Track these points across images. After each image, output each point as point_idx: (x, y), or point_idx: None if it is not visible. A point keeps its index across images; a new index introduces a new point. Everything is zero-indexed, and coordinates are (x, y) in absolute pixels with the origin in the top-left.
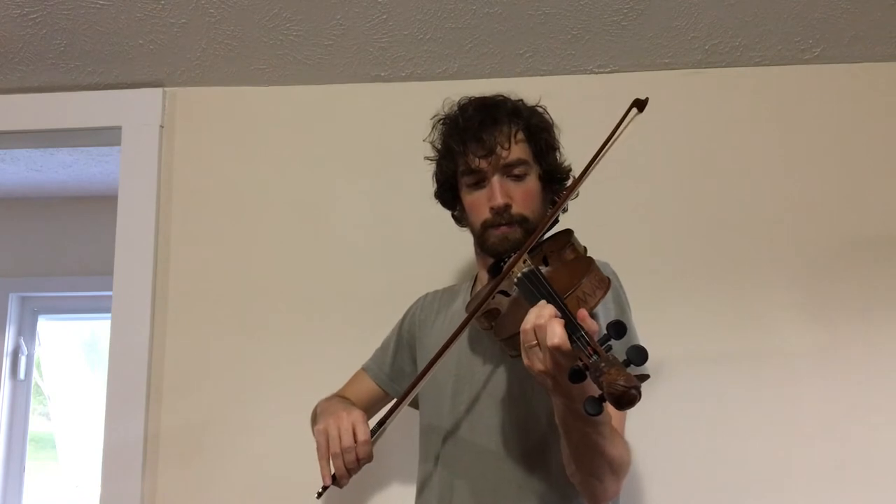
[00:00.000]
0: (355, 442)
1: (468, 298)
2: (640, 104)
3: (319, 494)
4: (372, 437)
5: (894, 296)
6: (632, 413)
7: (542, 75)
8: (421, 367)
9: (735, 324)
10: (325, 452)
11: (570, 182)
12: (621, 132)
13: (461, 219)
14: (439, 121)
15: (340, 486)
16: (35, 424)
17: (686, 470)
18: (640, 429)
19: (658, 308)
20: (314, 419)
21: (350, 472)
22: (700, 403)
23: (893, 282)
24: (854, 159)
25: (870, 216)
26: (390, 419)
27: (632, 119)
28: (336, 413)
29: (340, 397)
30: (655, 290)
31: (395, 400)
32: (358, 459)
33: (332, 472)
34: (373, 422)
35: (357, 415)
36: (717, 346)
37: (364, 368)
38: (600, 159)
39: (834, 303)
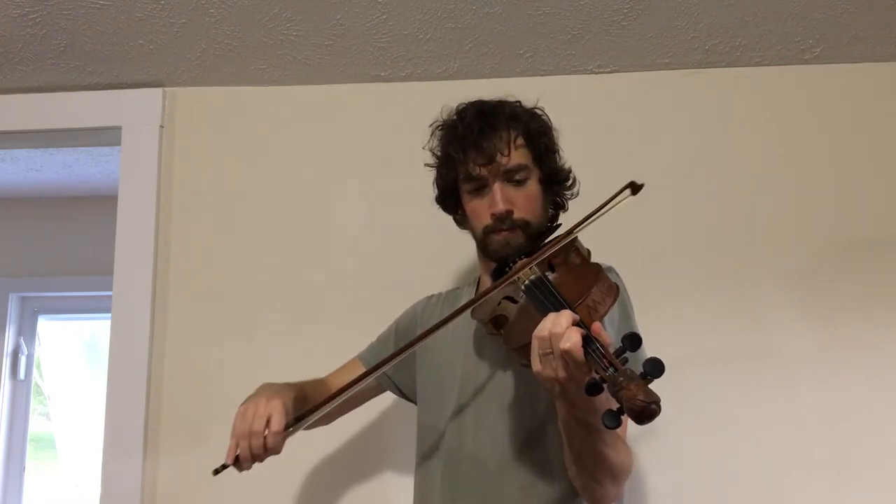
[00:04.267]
0: (268, 430)
1: None
2: (635, 188)
3: (217, 471)
4: (286, 429)
5: (894, 295)
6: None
7: (541, 75)
8: (428, 373)
9: (735, 324)
10: (235, 432)
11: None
12: (610, 209)
13: (462, 222)
14: (437, 127)
15: (240, 470)
16: (35, 424)
17: (686, 470)
18: (641, 429)
19: (658, 308)
20: None
21: (254, 457)
22: (700, 403)
23: (893, 281)
24: (854, 159)
25: (870, 216)
26: (315, 413)
27: (621, 200)
28: (258, 398)
29: (290, 384)
30: (655, 291)
31: (366, 372)
32: (266, 448)
33: (237, 453)
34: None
35: (277, 404)
36: (717, 346)
37: (358, 357)
38: (585, 227)
39: (834, 302)
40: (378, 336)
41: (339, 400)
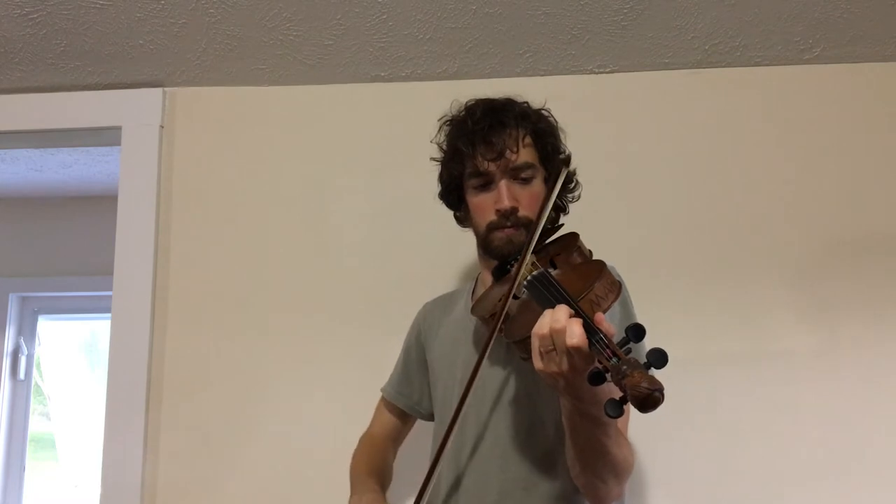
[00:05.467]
0: None
1: (470, 303)
2: (566, 162)
3: None
4: None
5: (892, 295)
6: (632, 413)
7: (542, 75)
8: (433, 377)
9: (734, 324)
10: None
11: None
12: (558, 189)
13: (464, 219)
14: (446, 122)
15: None
16: (35, 424)
17: (685, 470)
18: (640, 429)
19: (657, 308)
20: None
21: None
22: (700, 403)
23: (892, 281)
24: (853, 159)
25: (869, 216)
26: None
27: (564, 175)
28: None
29: (367, 482)
30: (655, 290)
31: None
32: None
33: None
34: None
35: None
36: (716, 347)
37: (384, 396)
38: (545, 215)
39: (833, 302)
40: (395, 366)
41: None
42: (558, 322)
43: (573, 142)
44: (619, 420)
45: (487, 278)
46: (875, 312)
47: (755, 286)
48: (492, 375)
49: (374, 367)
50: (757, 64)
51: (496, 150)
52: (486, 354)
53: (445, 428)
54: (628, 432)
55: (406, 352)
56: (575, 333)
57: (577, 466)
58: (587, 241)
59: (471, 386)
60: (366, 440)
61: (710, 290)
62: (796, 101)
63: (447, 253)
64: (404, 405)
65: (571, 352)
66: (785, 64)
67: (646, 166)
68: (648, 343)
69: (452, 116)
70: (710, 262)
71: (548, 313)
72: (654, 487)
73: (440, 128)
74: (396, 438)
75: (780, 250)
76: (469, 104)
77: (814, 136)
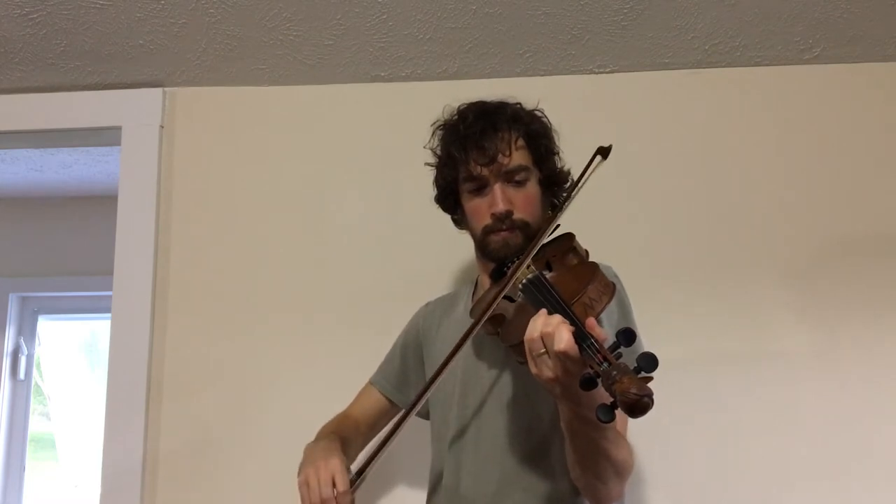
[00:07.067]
0: (336, 492)
1: (470, 304)
2: (604, 152)
3: None
4: (352, 486)
5: (892, 295)
6: None
7: (542, 75)
8: (430, 376)
9: (733, 324)
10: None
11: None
12: (587, 179)
13: (461, 222)
14: (439, 127)
15: None
16: (35, 424)
17: (684, 470)
18: (639, 430)
19: (657, 308)
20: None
21: None
22: (700, 403)
23: (892, 281)
24: (853, 159)
25: (868, 216)
26: (373, 463)
27: (597, 166)
28: (315, 462)
29: (330, 435)
30: (655, 290)
31: (402, 412)
32: None
33: None
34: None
35: (336, 463)
36: (715, 347)
37: (371, 381)
38: (569, 204)
39: (832, 303)
40: (385, 356)
41: (389, 445)
42: (548, 326)
43: (573, 142)
44: (619, 421)
45: (486, 280)
46: (875, 312)
47: (755, 286)
48: (490, 378)
49: (374, 368)
50: (757, 64)
51: (489, 155)
52: (477, 351)
53: (441, 422)
54: (628, 432)
55: (402, 349)
56: (563, 339)
57: (577, 469)
58: (587, 242)
59: (441, 371)
60: (340, 416)
61: (710, 290)
62: (796, 101)
63: (447, 253)
64: (399, 401)
65: (560, 357)
66: (785, 64)
67: (646, 166)
68: (648, 344)
69: (445, 121)
70: (709, 262)
71: (540, 318)
72: (653, 487)
73: (433, 132)
74: (373, 427)
75: (780, 250)
76: (461, 108)
77: (814, 136)
